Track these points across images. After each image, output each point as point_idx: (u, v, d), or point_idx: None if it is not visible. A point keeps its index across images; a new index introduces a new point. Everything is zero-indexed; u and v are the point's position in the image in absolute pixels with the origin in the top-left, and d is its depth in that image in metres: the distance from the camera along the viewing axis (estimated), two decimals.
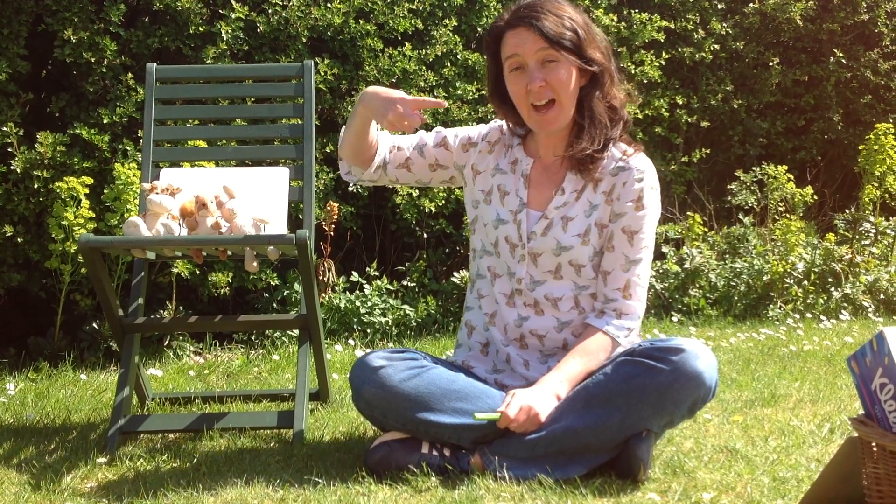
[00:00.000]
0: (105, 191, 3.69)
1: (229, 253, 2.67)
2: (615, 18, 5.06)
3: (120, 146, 3.88)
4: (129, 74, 3.94)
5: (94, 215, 3.68)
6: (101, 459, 2.39)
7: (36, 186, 3.76)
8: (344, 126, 2.39)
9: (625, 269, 2.25)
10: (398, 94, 2.24)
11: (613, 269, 2.26)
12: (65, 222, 3.60)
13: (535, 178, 2.32)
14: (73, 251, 3.64)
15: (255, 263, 2.67)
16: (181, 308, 4.05)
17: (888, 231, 5.12)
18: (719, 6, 5.55)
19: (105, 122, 3.86)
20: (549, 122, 2.23)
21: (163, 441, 2.59)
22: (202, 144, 3.65)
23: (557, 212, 2.28)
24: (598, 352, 2.23)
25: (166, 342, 3.94)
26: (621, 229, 2.25)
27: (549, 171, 2.32)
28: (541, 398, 2.15)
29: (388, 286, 4.33)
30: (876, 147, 5.01)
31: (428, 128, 2.65)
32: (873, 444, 1.72)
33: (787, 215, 5.04)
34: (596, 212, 2.26)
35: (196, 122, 3.64)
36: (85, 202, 3.64)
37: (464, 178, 2.43)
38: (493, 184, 2.36)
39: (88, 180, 3.66)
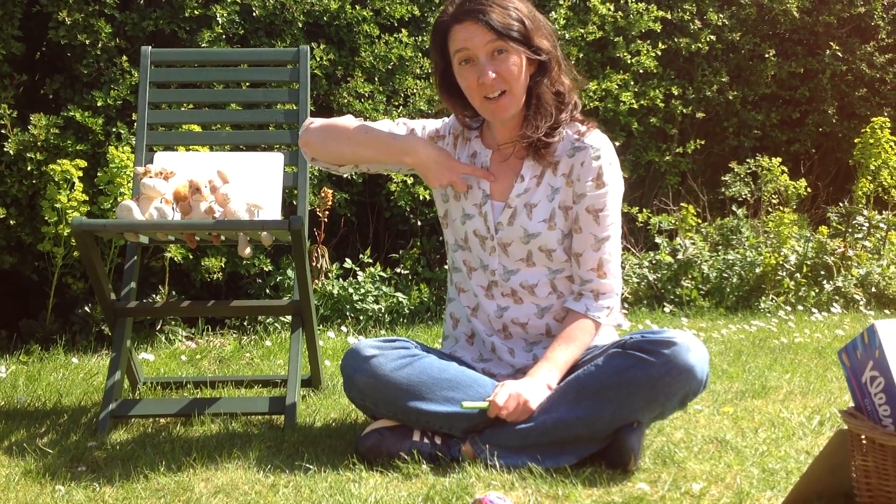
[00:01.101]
0: (98, 174, 3.67)
1: (223, 238, 2.66)
2: (612, 8, 5.05)
3: (114, 129, 3.87)
4: (124, 57, 3.92)
5: (87, 198, 3.67)
6: (92, 443, 2.39)
7: (29, 169, 3.75)
8: (324, 129, 2.38)
9: (595, 249, 2.26)
10: (457, 164, 2.32)
11: (584, 251, 2.27)
12: (58, 205, 3.59)
13: (495, 169, 2.33)
14: (65, 234, 3.63)
15: (248, 249, 2.66)
16: (174, 293, 4.04)
17: (881, 225, 5.13)
18: None
19: (99, 104, 3.85)
20: (502, 110, 2.23)
21: (154, 425, 2.59)
22: (196, 128, 3.64)
23: (520, 199, 2.28)
24: (582, 336, 2.25)
25: (158, 327, 3.93)
26: (585, 209, 2.26)
27: (508, 161, 2.32)
28: (531, 387, 2.16)
29: (382, 273, 4.33)
30: (872, 141, 5.01)
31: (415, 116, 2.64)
32: (863, 436, 1.73)
33: (781, 207, 5.05)
34: (558, 195, 2.27)
35: (190, 105, 3.62)
36: (78, 185, 3.63)
37: None
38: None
39: (82, 163, 3.65)
